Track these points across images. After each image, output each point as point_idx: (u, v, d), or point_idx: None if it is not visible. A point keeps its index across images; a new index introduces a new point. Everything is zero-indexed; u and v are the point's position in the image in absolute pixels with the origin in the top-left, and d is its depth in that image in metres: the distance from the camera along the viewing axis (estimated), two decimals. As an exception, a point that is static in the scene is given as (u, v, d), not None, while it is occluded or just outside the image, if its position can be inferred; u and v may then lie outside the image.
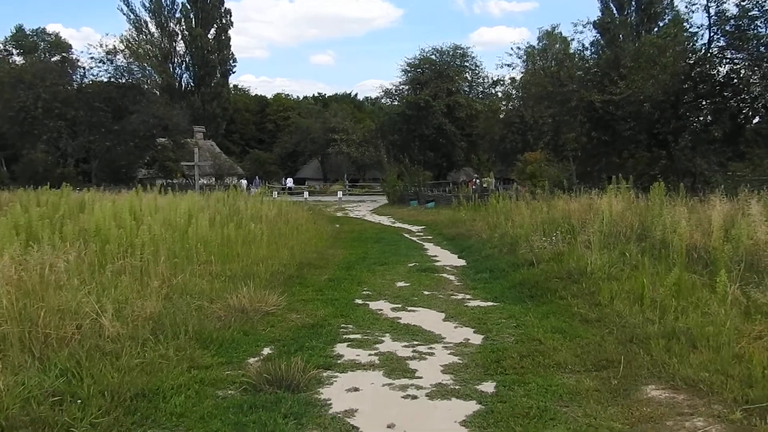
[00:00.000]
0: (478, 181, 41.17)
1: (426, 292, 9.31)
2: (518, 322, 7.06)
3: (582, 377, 5.17)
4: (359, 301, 8.67)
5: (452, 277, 10.78)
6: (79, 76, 40.30)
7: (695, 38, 23.19)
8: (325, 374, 5.39)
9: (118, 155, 39.64)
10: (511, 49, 26.66)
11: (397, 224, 24.08)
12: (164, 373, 5.10)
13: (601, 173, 29.79)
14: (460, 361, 5.77)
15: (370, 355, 5.99)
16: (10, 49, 41.40)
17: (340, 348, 6.24)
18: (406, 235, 19.20)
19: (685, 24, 24.00)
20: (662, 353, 5.41)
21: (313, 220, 20.86)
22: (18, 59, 41.42)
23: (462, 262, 12.69)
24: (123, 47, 41.04)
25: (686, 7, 22.79)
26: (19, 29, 45.04)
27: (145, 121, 38.91)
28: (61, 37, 42.94)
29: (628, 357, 5.42)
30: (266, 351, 6.15)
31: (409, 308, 8.18)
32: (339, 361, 5.78)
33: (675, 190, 11.63)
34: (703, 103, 23.56)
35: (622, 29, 31.08)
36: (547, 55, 29.89)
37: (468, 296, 8.95)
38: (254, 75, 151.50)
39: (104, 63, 40.49)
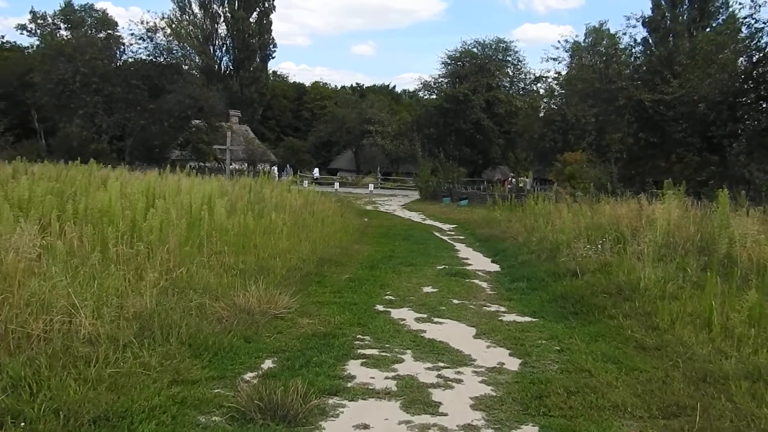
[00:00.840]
0: (514, 180, 39.87)
1: (455, 301, 8.36)
2: (562, 345, 6.07)
3: (647, 426, 4.20)
4: (380, 308, 7.76)
5: (485, 285, 9.80)
6: (119, 53, 40.22)
7: (760, 35, 21.56)
8: (330, 402, 4.50)
9: (152, 134, 39.50)
10: (558, 42, 25.29)
11: (428, 221, 23.11)
12: (139, 389, 4.27)
13: (645, 177, 28.36)
14: (494, 393, 4.83)
15: (386, 378, 5.08)
16: (58, 23, 41.59)
17: (353, 366, 5.35)
18: (437, 234, 18.23)
19: (749, 19, 22.30)
20: (747, 400, 4.40)
21: (341, 213, 20.02)
22: (65, 33, 41.66)
23: (496, 267, 11.69)
24: (164, 25, 40.68)
25: (752, 0, 21.16)
26: (68, 4, 45.22)
27: (181, 101, 38.64)
28: (107, 14, 43.23)
29: (704, 402, 4.41)
30: (267, 364, 5.31)
31: (436, 319, 7.25)
32: (349, 384, 4.88)
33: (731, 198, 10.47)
34: (764, 105, 21.97)
35: (676, 26, 29.43)
36: (594, 52, 28.46)
37: (502, 308, 7.98)
38: (294, 63, 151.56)
39: (144, 40, 40.39)
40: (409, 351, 5.89)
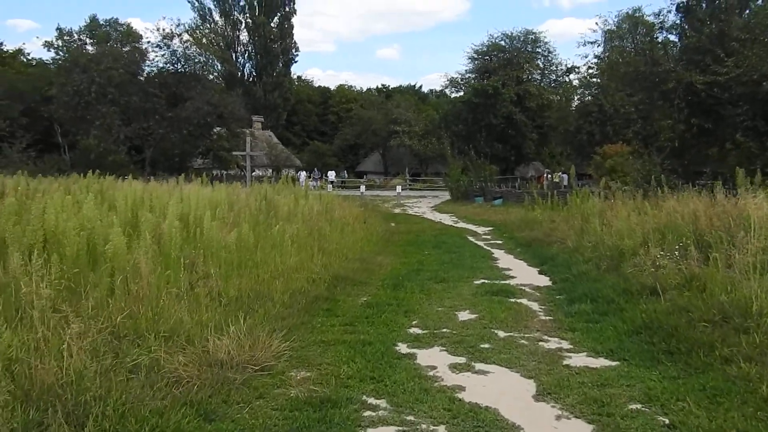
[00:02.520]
0: (549, 175, 37.60)
1: (501, 333, 6.45)
2: (670, 415, 4.12)
3: None
4: (403, 348, 5.90)
5: (536, 306, 7.85)
6: (144, 66, 39.28)
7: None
8: None
9: (171, 143, 38.29)
10: (596, 24, 23.00)
11: (461, 224, 21.14)
12: None
13: (698, 167, 25.92)
14: None
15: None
16: (84, 38, 40.89)
17: (356, 466, 3.51)
18: (471, 239, 16.28)
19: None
20: None
21: (363, 219, 18.20)
22: (91, 49, 40.78)
23: (545, 281, 9.72)
24: (181, 32, 39.50)
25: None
26: (93, 19, 44.60)
27: (199, 108, 37.39)
28: (132, 27, 42.27)
29: None
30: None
31: (478, 366, 5.35)
32: None
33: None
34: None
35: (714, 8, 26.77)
36: (634, 34, 26.08)
37: (566, 344, 6.03)
38: (321, 69, 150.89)
39: (161, 48, 39.31)
40: (442, 427, 4.03)
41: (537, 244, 13.80)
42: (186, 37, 39.70)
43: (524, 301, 8.16)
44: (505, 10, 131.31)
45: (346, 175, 56.41)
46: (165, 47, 39.34)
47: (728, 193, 10.38)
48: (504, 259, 12.31)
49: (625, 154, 30.67)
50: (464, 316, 7.33)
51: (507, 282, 9.60)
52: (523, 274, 10.46)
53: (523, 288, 9.07)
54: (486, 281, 9.66)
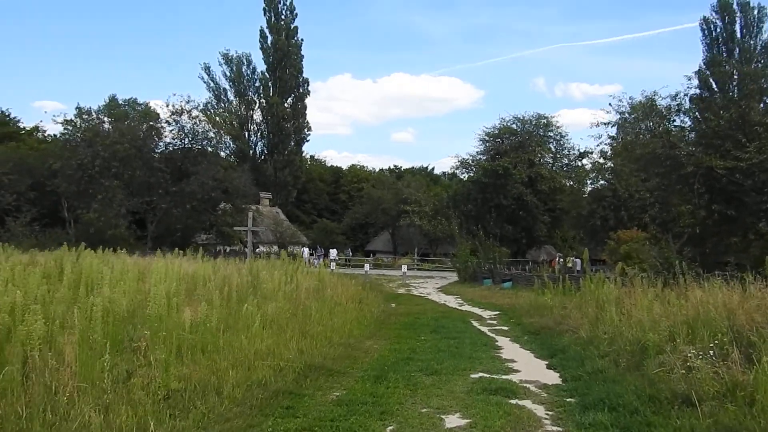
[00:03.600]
0: (561, 260, 36.23)
1: (497, 451, 5.08)
2: None
3: None
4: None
5: (541, 410, 6.45)
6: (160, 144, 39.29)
7: None
8: None
9: (175, 218, 37.58)
10: (609, 104, 22.38)
11: (466, 307, 19.72)
12: None
13: (720, 256, 24.55)
14: None
15: None
16: (103, 117, 41.24)
17: None
18: (475, 324, 14.87)
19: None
20: None
21: (359, 299, 16.88)
22: (108, 127, 40.98)
23: (554, 377, 8.29)
24: (190, 108, 39.64)
25: None
26: (112, 99, 45.26)
27: (204, 184, 36.96)
28: (150, 107, 42.68)
29: None
30: None
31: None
32: None
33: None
34: None
35: (728, 100, 26.12)
36: (648, 119, 25.37)
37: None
38: (337, 151, 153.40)
39: (170, 124, 39.43)
40: None
41: (546, 332, 12.39)
42: (195, 113, 39.77)
43: (528, 403, 6.76)
44: (517, 98, 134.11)
45: (350, 253, 55.15)
46: (174, 123, 39.51)
47: (760, 284, 9.17)
48: (508, 349, 10.88)
49: (640, 239, 29.46)
50: (452, 421, 5.96)
51: (509, 377, 8.20)
52: (529, 368, 9.04)
53: (528, 386, 7.66)
54: (485, 375, 8.27)
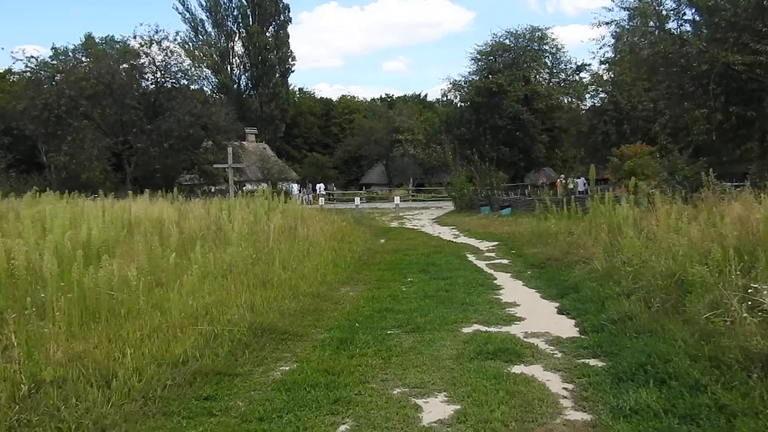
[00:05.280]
0: (565, 181, 34.36)
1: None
2: None
3: None
4: None
5: (557, 383, 4.70)
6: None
7: None
8: None
9: (152, 158, 35.41)
10: (612, 1, 19.67)
11: (461, 238, 17.97)
12: None
13: (732, 166, 22.72)
14: None
15: None
16: (80, 57, 38.31)
17: None
18: (471, 258, 13.12)
19: None
20: None
21: (340, 237, 15.10)
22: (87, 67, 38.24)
23: (569, 327, 6.54)
24: (159, 39, 36.63)
25: None
26: (89, 37, 42.12)
27: (181, 120, 34.55)
28: (129, 44, 39.42)
29: None
30: None
31: None
32: None
33: None
34: None
35: None
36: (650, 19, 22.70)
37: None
38: (328, 83, 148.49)
39: (139, 56, 36.55)
40: None
41: (553, 264, 10.64)
42: (166, 44, 36.84)
43: (537, 370, 5.01)
44: (509, 18, 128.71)
45: (334, 188, 53.07)
46: (144, 56, 36.68)
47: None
48: (509, 289, 9.13)
49: (645, 153, 27.50)
50: (433, 412, 4.20)
51: (511, 329, 6.46)
52: (536, 313, 7.29)
53: (536, 342, 5.91)
54: (480, 328, 6.53)
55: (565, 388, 4.57)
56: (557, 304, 7.66)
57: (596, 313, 6.60)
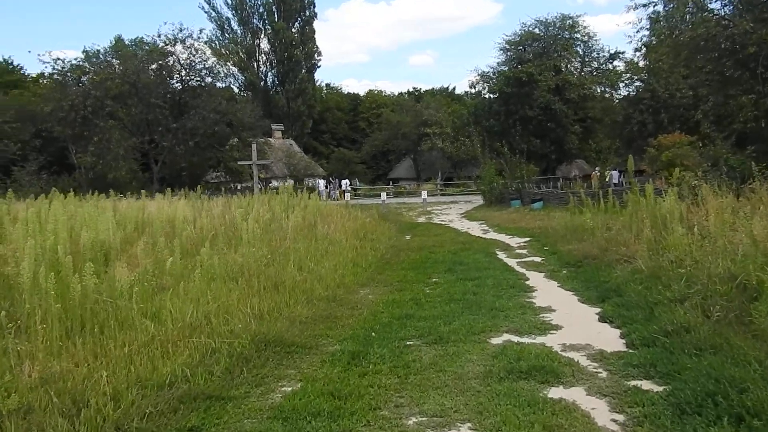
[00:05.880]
0: (600, 173, 33.16)
1: None
2: None
3: None
4: None
5: (605, 415, 3.93)
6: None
7: None
8: None
9: (178, 157, 35.25)
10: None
11: (491, 234, 17.14)
12: None
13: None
14: None
15: None
16: (110, 59, 38.40)
17: None
18: (501, 255, 12.31)
19: None
20: None
21: (362, 235, 14.42)
22: (118, 69, 38.33)
23: (614, 338, 5.72)
24: (184, 37, 36.42)
25: None
26: (118, 40, 42.26)
27: (206, 117, 34.30)
28: (158, 45, 39.23)
29: None
30: None
31: None
32: None
33: None
34: None
35: None
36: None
37: None
38: (356, 79, 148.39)
39: (157, 54, 36.36)
40: None
41: (590, 263, 9.78)
42: (190, 42, 36.58)
43: (579, 395, 4.25)
44: (537, 8, 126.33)
45: (357, 182, 52.17)
46: (169, 55, 36.49)
47: None
48: (543, 290, 8.34)
49: (684, 144, 26.22)
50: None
51: (547, 342, 5.67)
52: (574, 320, 6.50)
53: (576, 357, 5.12)
54: (512, 339, 5.78)
55: (615, 420, 3.81)
56: (598, 310, 6.84)
57: (645, 322, 5.78)
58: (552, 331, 6.08)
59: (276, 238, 11.18)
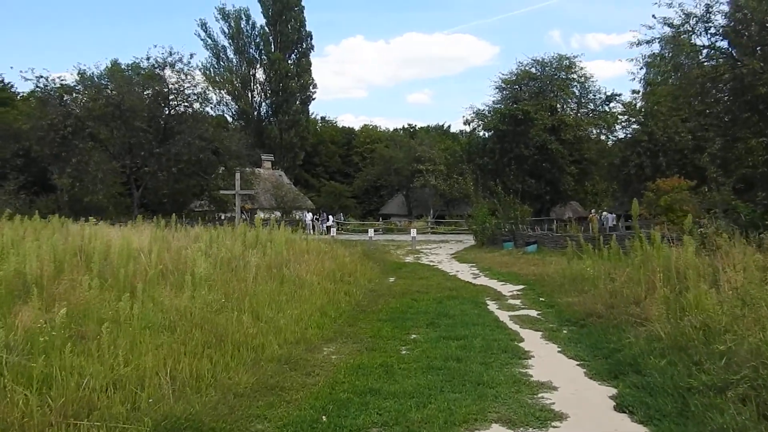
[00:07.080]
0: (599, 215, 32.00)
1: None
2: None
3: None
4: None
5: None
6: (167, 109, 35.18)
7: None
8: None
9: (159, 183, 33.91)
10: (653, 17, 17.51)
11: (481, 279, 15.77)
12: None
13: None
14: None
15: None
16: (106, 83, 37.28)
17: None
18: (492, 307, 10.94)
19: None
20: None
21: (340, 276, 13.00)
22: (112, 93, 37.22)
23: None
24: (173, 61, 35.45)
25: None
26: (114, 63, 41.31)
27: (191, 143, 33.08)
28: (155, 71, 38.06)
29: None
30: None
31: None
32: None
33: None
34: None
35: None
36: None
37: None
38: (353, 114, 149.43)
39: (152, 80, 35.34)
40: None
41: (596, 322, 8.41)
42: (179, 66, 35.60)
43: None
44: (533, 51, 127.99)
45: (342, 217, 50.74)
46: (157, 78, 35.45)
47: None
48: (542, 357, 6.94)
49: (684, 188, 25.19)
50: None
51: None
52: (584, 406, 5.10)
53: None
54: (503, 434, 4.39)
55: None
56: (612, 391, 5.45)
57: (679, 418, 4.39)
58: (555, 423, 4.68)
59: (236, 278, 9.78)
